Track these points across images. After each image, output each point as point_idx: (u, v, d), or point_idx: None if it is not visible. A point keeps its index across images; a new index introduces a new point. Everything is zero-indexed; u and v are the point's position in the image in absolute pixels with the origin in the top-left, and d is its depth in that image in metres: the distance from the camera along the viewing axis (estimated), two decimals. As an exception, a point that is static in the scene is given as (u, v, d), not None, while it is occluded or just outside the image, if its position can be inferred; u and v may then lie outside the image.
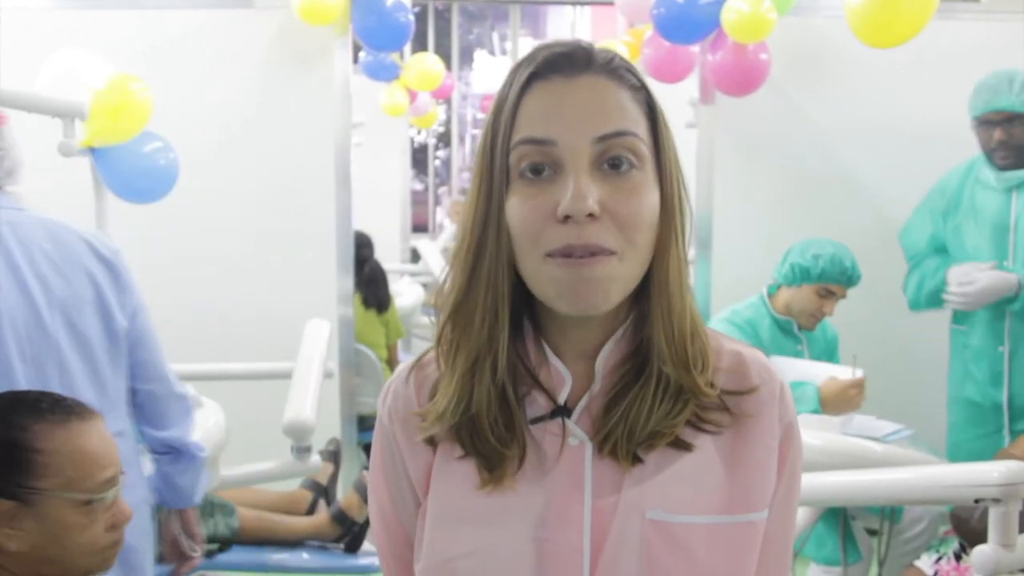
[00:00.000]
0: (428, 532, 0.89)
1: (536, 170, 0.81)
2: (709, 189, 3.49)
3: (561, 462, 0.86)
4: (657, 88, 3.29)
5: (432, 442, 0.90)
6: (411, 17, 3.34)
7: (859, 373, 2.50)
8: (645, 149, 0.82)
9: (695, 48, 3.39)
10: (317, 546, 2.73)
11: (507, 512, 0.85)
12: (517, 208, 0.81)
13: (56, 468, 1.29)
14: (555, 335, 0.88)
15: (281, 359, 2.75)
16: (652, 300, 0.85)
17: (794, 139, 3.55)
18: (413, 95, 5.18)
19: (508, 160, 0.82)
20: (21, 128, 2.87)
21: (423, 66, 4.87)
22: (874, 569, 2.53)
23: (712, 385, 0.87)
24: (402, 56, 4.98)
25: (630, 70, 0.85)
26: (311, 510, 2.86)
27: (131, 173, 2.66)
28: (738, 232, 3.51)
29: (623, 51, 3.92)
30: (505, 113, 0.83)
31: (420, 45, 6.28)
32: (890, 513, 2.46)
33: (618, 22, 5.00)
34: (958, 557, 2.23)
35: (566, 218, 0.78)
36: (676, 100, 3.83)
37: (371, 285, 4.26)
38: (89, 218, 2.76)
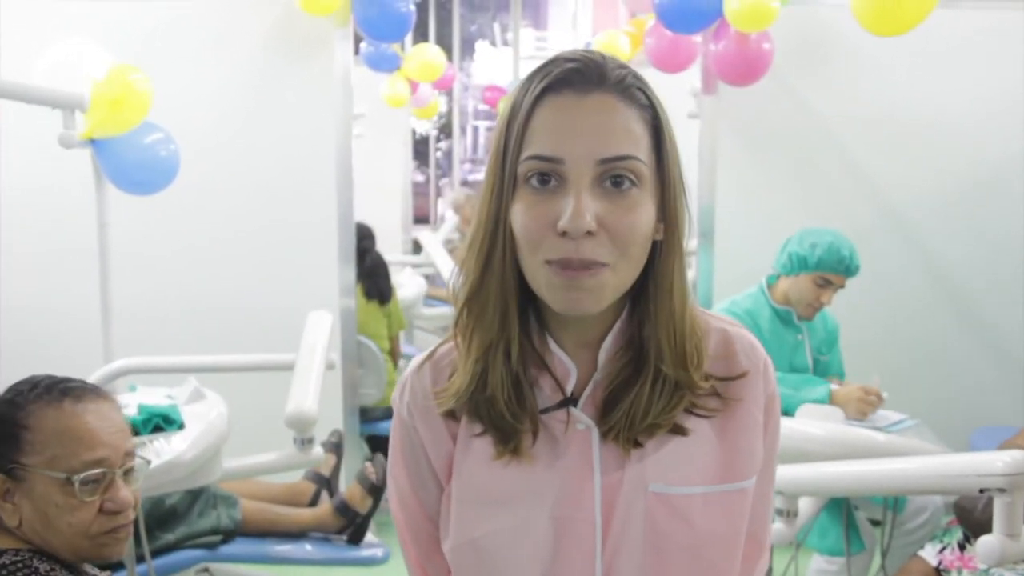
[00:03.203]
0: (454, 513, 0.97)
1: (543, 180, 0.87)
2: (712, 179, 3.48)
3: (571, 446, 0.94)
4: (659, 78, 3.28)
5: (453, 429, 0.98)
6: (412, 7, 3.33)
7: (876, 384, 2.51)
8: (646, 170, 0.88)
9: (697, 38, 3.37)
10: (320, 538, 2.73)
11: (526, 493, 0.94)
12: (521, 215, 0.87)
13: (41, 445, 1.33)
14: (556, 326, 0.96)
15: (283, 351, 2.75)
16: (655, 305, 0.92)
17: (797, 129, 3.54)
18: (414, 86, 5.16)
19: (517, 170, 0.88)
20: (21, 120, 2.87)
21: (424, 57, 4.86)
22: (877, 559, 2.53)
23: (707, 377, 0.95)
24: (403, 47, 4.97)
25: (641, 88, 0.90)
26: (314, 502, 2.86)
27: (131, 165, 2.65)
28: (741, 222, 3.50)
29: (625, 42, 3.93)
30: (517, 123, 0.88)
31: (421, 36, 6.27)
32: (893, 503, 2.46)
33: (620, 12, 4.98)
34: (962, 547, 2.23)
35: (564, 232, 0.84)
36: (678, 90, 3.82)
37: (372, 277, 4.25)
38: (89, 210, 2.76)
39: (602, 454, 0.93)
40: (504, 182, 0.89)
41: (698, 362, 0.94)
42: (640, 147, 0.87)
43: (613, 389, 0.93)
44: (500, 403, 0.92)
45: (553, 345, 0.95)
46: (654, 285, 0.92)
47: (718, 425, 0.95)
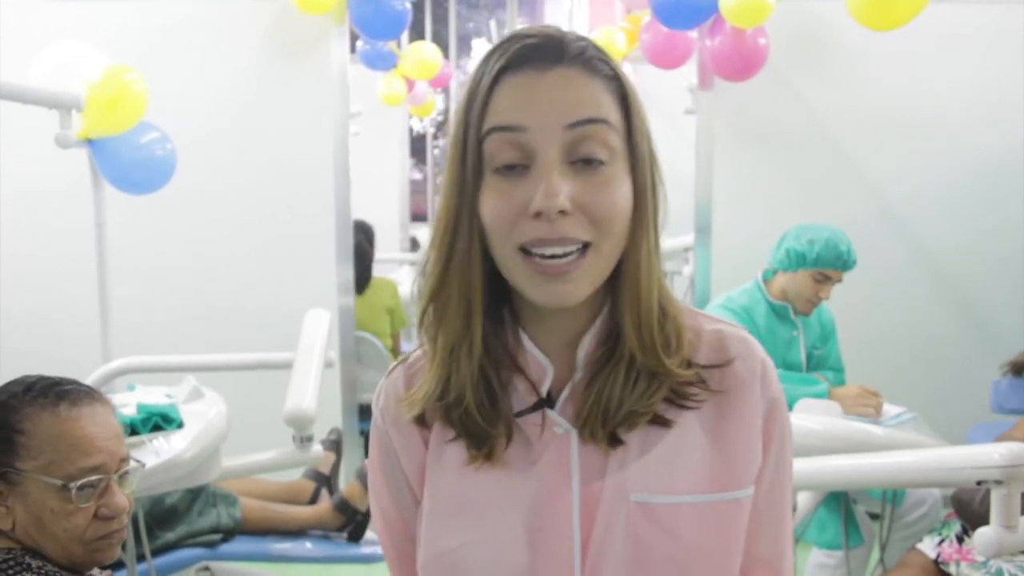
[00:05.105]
0: (425, 526, 0.91)
1: (509, 166, 0.81)
2: (708, 175, 3.49)
3: (548, 451, 0.88)
4: (655, 74, 3.27)
5: (425, 435, 0.92)
6: (408, 5, 3.33)
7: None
8: (617, 139, 0.82)
9: (693, 33, 3.38)
10: (320, 535, 2.73)
11: (499, 502, 0.88)
12: (490, 203, 0.82)
13: (37, 450, 1.31)
14: (533, 324, 0.90)
15: (281, 349, 2.75)
16: (622, 288, 0.86)
17: (793, 123, 3.54)
18: (411, 84, 5.17)
19: (480, 151, 0.82)
20: (17, 120, 2.87)
21: (420, 55, 4.86)
22: (876, 553, 2.54)
23: (689, 364, 0.88)
24: (399, 45, 4.97)
25: (604, 60, 0.84)
26: (313, 499, 2.87)
27: (128, 164, 2.65)
28: (737, 217, 3.50)
29: (621, 38, 3.93)
30: (476, 105, 0.83)
31: (417, 34, 6.26)
32: (892, 497, 2.46)
33: (616, 8, 4.98)
34: (960, 540, 2.24)
35: (538, 214, 0.79)
36: (675, 86, 3.83)
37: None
38: (87, 209, 2.76)
39: (581, 461, 0.87)
40: (466, 171, 0.83)
41: (676, 348, 0.87)
42: (611, 114, 0.82)
43: (590, 381, 0.87)
44: (471, 406, 0.87)
45: (528, 343, 0.89)
46: (628, 268, 0.85)
47: (710, 427, 0.88)
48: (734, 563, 0.89)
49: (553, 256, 0.80)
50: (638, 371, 0.86)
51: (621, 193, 0.82)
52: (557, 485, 0.87)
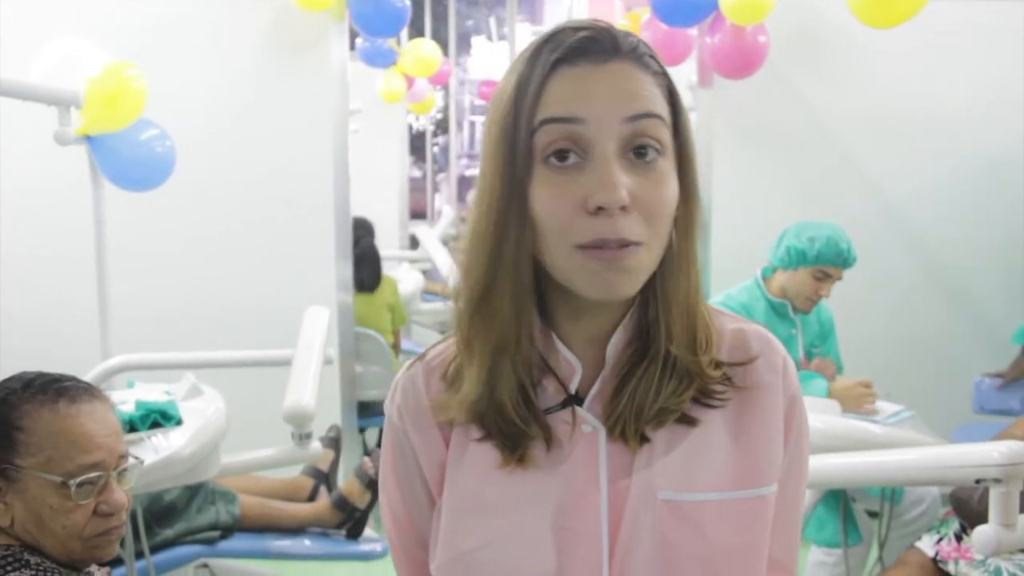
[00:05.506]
0: (444, 526, 0.88)
1: (562, 156, 0.79)
2: (707, 173, 3.48)
3: (575, 449, 0.86)
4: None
5: (446, 433, 0.90)
6: (407, 2, 3.33)
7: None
8: (668, 136, 0.82)
9: (693, 31, 3.37)
10: (319, 532, 2.73)
11: (524, 501, 0.86)
12: (543, 198, 0.79)
13: (36, 447, 1.31)
14: (564, 322, 0.88)
15: (281, 346, 2.75)
16: (666, 283, 0.85)
17: (793, 121, 3.54)
18: (410, 81, 5.17)
19: (532, 142, 0.80)
20: (16, 117, 2.87)
21: (420, 52, 4.86)
22: (875, 551, 2.54)
23: (718, 365, 0.87)
24: (399, 42, 4.97)
25: (653, 56, 0.84)
26: (312, 497, 2.87)
27: (127, 161, 2.65)
28: (736, 216, 3.50)
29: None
30: (528, 96, 0.80)
31: (417, 31, 6.27)
32: (891, 495, 2.46)
33: (615, 6, 4.98)
34: (959, 538, 2.24)
35: (598, 209, 0.77)
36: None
37: (357, 266, 4.24)
38: (86, 206, 2.76)
39: (609, 459, 0.85)
40: (516, 164, 0.80)
41: (707, 347, 0.87)
42: (662, 110, 0.82)
43: (621, 378, 0.86)
44: (509, 408, 0.84)
45: (559, 343, 0.87)
46: (669, 265, 0.84)
47: (733, 425, 0.87)
48: (761, 561, 0.87)
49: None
50: (671, 369, 0.85)
51: (671, 190, 0.81)
52: (585, 484, 0.85)
